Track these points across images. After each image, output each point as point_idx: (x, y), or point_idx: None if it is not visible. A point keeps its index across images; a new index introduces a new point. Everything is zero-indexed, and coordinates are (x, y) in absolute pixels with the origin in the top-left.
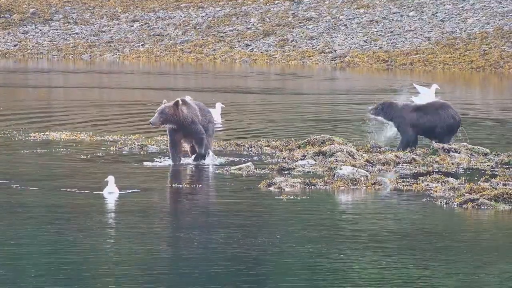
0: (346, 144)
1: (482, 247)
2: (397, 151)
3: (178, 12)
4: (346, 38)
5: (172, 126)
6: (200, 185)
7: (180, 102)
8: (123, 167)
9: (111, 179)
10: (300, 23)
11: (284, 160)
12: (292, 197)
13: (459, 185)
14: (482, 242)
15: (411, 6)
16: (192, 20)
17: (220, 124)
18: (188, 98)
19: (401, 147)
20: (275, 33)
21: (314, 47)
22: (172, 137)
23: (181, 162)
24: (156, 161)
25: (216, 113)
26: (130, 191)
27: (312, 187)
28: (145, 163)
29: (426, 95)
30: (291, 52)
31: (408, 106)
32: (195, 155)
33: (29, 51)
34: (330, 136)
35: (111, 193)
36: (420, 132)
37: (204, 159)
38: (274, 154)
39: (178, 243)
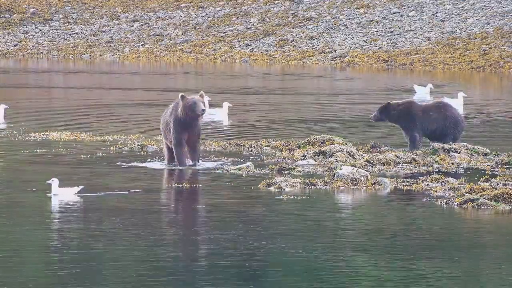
0: (346, 144)
1: (482, 247)
2: (409, 151)
3: (178, 12)
4: (346, 38)
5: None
6: (199, 185)
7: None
8: (123, 167)
9: (54, 181)
10: (300, 23)
11: (284, 160)
12: (292, 197)
13: (459, 185)
14: (482, 242)
15: (411, 6)
16: (192, 20)
17: (227, 124)
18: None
19: (411, 149)
20: (275, 33)
21: (314, 47)
22: (180, 135)
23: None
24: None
25: (223, 113)
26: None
27: (312, 187)
28: (141, 164)
29: (422, 95)
30: (291, 52)
31: (411, 105)
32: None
33: (29, 51)
34: (330, 136)
35: (55, 195)
36: (424, 133)
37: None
38: (274, 154)
39: (178, 242)
